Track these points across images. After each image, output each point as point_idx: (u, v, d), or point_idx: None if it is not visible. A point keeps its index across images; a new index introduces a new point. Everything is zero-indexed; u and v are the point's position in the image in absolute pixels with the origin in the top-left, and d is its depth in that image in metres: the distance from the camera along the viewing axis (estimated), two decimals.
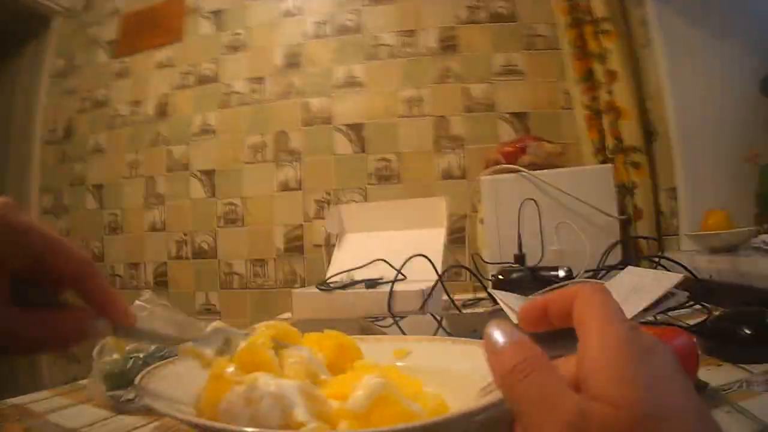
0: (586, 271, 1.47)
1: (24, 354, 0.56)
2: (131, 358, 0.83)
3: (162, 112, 3.58)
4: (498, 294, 1.08)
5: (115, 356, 0.83)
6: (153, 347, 0.85)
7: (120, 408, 0.79)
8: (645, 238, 2.33)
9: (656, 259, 1.44)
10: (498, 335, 0.43)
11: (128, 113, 3.68)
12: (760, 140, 2.04)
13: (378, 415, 0.49)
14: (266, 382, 0.53)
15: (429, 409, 0.52)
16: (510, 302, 0.99)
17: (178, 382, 0.62)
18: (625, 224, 2.31)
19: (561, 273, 1.41)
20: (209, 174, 3.40)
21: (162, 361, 0.67)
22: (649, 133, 2.49)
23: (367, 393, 0.50)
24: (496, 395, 0.47)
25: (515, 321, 0.85)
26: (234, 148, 3.38)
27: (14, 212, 0.50)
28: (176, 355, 0.71)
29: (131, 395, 0.79)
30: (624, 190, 2.44)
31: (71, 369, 3.73)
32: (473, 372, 0.56)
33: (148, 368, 0.64)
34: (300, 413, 0.49)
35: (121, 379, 0.81)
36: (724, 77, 2.12)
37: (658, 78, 2.28)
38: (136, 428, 0.71)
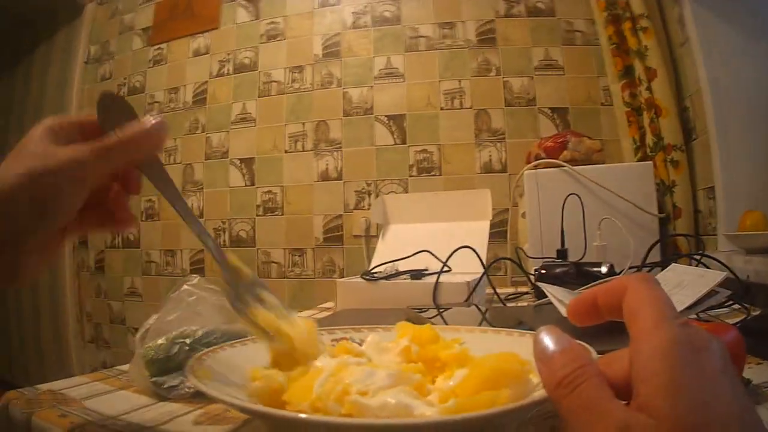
0: (630, 268, 1.47)
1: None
2: (177, 343, 0.80)
3: (200, 99, 3.62)
4: (546, 286, 1.09)
5: (160, 341, 0.80)
6: (200, 333, 0.82)
7: (163, 395, 0.76)
8: (686, 236, 2.33)
9: (697, 257, 1.44)
10: (548, 342, 0.44)
11: (165, 100, 3.73)
12: None
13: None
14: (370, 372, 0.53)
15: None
16: (558, 295, 1.01)
17: (229, 368, 0.62)
18: (664, 222, 2.31)
19: (604, 269, 1.42)
20: (248, 162, 3.43)
21: (209, 348, 0.67)
22: (687, 132, 2.49)
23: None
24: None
25: (564, 313, 0.87)
26: (273, 136, 3.41)
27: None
28: (224, 341, 0.72)
29: (175, 381, 0.76)
30: (663, 188, 2.44)
31: (100, 354, 3.79)
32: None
33: (198, 354, 0.63)
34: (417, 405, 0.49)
35: (165, 364, 0.78)
36: (760, 78, 2.11)
37: (696, 77, 2.27)
38: (180, 415, 0.68)
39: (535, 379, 0.52)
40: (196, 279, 0.91)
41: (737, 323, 0.98)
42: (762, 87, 2.12)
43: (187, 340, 0.80)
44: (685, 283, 1.03)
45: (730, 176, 2.12)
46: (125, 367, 0.89)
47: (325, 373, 0.54)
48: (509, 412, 0.46)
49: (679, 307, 0.91)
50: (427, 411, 0.49)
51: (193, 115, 3.63)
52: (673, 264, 1.19)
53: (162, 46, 3.82)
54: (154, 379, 0.77)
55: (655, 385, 0.35)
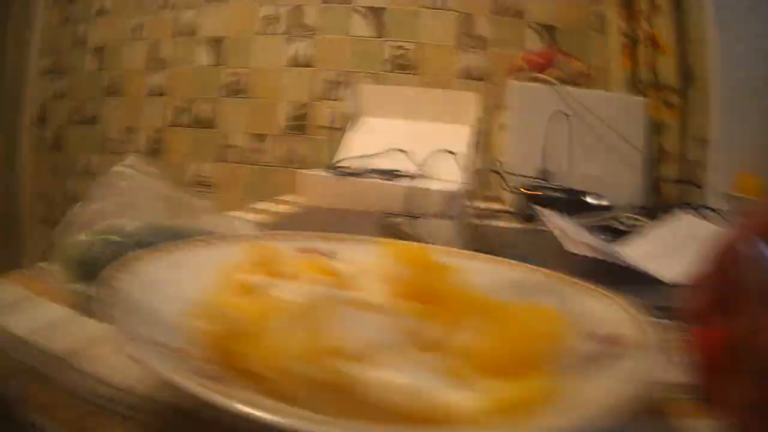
0: (636, 207, 1.38)
1: None
2: (101, 240, 0.62)
3: None
4: (552, 216, 0.98)
5: (81, 237, 0.63)
6: (131, 228, 0.65)
7: (86, 307, 0.57)
8: (688, 183, 2.23)
9: (700, 209, 1.35)
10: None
11: None
12: None
13: None
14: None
15: None
16: (563, 226, 0.89)
17: (163, 290, 0.47)
18: (648, 162, 2.23)
19: (594, 200, 1.33)
20: (217, 42, 3.27)
21: (141, 250, 0.52)
22: (686, 77, 2.37)
23: None
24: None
25: (572, 249, 0.75)
26: (245, 17, 3.23)
27: None
28: (163, 240, 0.57)
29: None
30: (653, 128, 2.35)
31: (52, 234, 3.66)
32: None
33: (118, 262, 0.48)
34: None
35: (86, 267, 0.59)
36: None
37: (703, 21, 2.16)
38: (104, 338, 0.51)
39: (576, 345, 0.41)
40: (131, 158, 0.74)
41: None
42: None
43: (114, 237, 0.63)
44: (698, 237, 0.92)
45: (727, 131, 2.00)
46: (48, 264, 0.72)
47: (296, 315, 0.40)
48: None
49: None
50: (462, 397, 0.35)
51: None
52: (683, 213, 1.09)
53: None
54: (72, 286, 0.60)
55: None
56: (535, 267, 0.58)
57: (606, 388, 0.35)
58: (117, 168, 0.71)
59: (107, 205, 0.68)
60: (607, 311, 0.47)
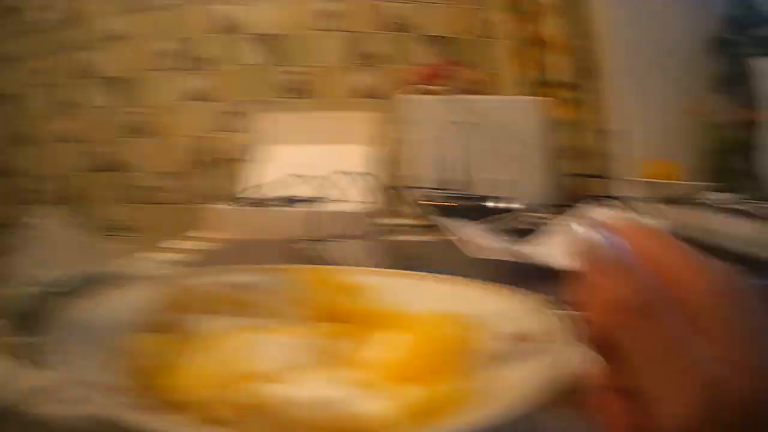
0: (541, 205, 1.41)
1: None
2: (23, 292, 0.62)
3: (68, 18, 3.33)
4: (455, 224, 1.00)
5: (9, 289, 0.63)
6: (52, 278, 0.64)
7: (27, 358, 0.53)
8: (592, 176, 2.27)
9: (601, 200, 1.38)
10: (610, 249, 0.35)
11: (34, 20, 3.41)
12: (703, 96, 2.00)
13: None
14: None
15: None
16: (470, 234, 0.91)
17: (88, 334, 0.45)
18: (551, 161, 2.27)
19: (493, 203, 1.35)
20: (113, 82, 3.22)
21: (65, 298, 0.51)
22: (580, 71, 2.43)
23: None
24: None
25: (475, 255, 0.77)
26: (138, 54, 3.20)
27: None
28: (85, 286, 0.57)
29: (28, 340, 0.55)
30: (552, 126, 2.39)
31: None
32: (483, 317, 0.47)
33: (48, 310, 0.48)
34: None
35: (17, 318, 0.59)
36: (667, 26, 2.06)
37: (593, 15, 2.21)
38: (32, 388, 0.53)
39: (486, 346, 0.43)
40: (48, 211, 0.75)
41: None
42: (667, 34, 2.06)
43: (35, 288, 0.63)
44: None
45: (629, 120, 2.06)
46: None
47: (212, 346, 0.42)
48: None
49: None
50: (374, 406, 0.37)
51: (60, 35, 3.31)
52: (596, 207, 1.12)
53: None
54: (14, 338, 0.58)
55: (729, 336, 0.32)
56: (441, 276, 0.59)
57: (514, 382, 0.37)
58: (33, 220, 0.72)
59: (29, 257, 0.68)
60: (513, 310, 0.48)
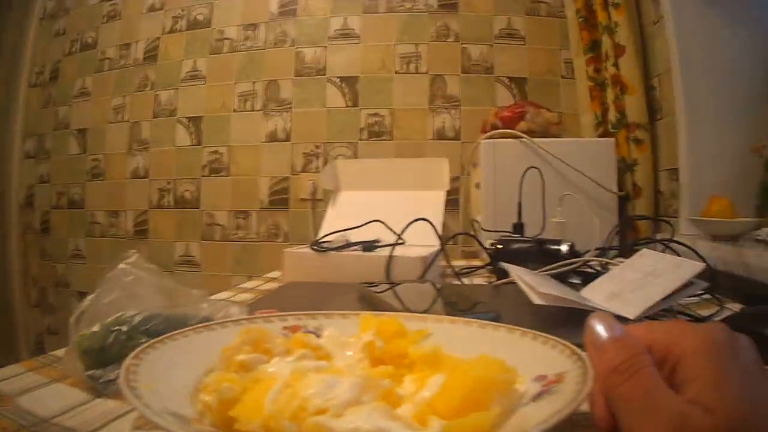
0: (596, 249, 1.42)
1: None
2: (112, 331, 0.68)
3: (151, 56, 3.50)
4: (513, 268, 1.02)
5: (94, 329, 0.69)
6: (138, 319, 0.71)
7: (100, 390, 0.64)
8: (652, 219, 2.28)
9: (665, 242, 1.39)
10: (601, 330, 0.44)
11: (116, 57, 3.59)
12: None
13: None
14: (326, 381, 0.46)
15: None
16: (527, 278, 0.94)
17: (173, 371, 0.53)
18: (622, 201, 2.26)
19: (564, 247, 1.36)
20: (196, 121, 3.33)
21: (151, 341, 0.56)
22: (653, 111, 2.44)
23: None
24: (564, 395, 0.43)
25: (535, 300, 0.80)
26: (223, 95, 3.30)
27: None
28: (165, 327, 0.64)
29: (112, 375, 0.64)
30: (624, 167, 2.39)
31: (45, 320, 3.69)
32: (517, 363, 0.51)
33: (135, 352, 0.53)
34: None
35: (100, 356, 0.67)
36: (734, 63, 2.05)
37: (666, 56, 2.21)
38: (118, 417, 0.58)
39: (521, 387, 0.48)
40: (134, 256, 0.81)
41: (710, 316, 0.96)
42: (734, 71, 2.06)
43: (124, 328, 0.70)
44: (658, 272, 0.97)
45: (696, 159, 2.06)
46: (61, 352, 0.77)
47: (278, 383, 0.46)
48: None
49: (655, 298, 0.85)
50: None
51: (143, 71, 3.49)
52: (645, 249, 1.13)
53: (116, 1, 3.66)
54: (89, 372, 0.66)
55: (704, 382, 0.37)
56: (497, 324, 0.62)
57: (541, 416, 0.41)
58: (121, 265, 0.77)
59: (114, 298, 0.74)
60: (557, 355, 0.52)
